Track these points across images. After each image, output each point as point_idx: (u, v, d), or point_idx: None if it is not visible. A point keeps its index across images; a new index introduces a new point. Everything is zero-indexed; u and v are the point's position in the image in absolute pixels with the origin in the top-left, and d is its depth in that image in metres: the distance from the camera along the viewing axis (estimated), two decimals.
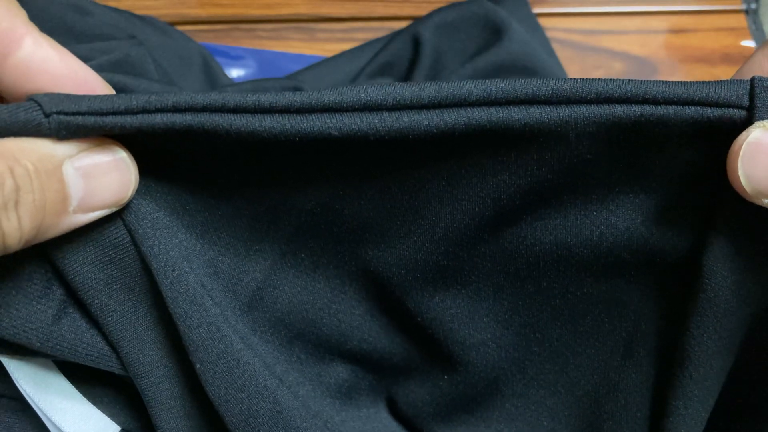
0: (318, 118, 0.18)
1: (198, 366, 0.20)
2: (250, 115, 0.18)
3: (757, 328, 0.21)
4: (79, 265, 0.19)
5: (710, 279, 0.20)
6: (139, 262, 0.19)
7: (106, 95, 0.18)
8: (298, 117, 0.18)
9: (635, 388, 0.23)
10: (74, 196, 0.17)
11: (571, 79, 0.18)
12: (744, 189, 0.18)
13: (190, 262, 0.20)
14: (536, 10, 0.48)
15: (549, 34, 0.47)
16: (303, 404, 0.22)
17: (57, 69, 0.19)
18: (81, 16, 0.40)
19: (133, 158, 0.19)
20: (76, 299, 0.20)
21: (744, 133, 0.18)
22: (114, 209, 0.19)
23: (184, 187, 0.20)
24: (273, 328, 0.23)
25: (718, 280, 0.20)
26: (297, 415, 0.21)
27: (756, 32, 0.48)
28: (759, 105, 0.18)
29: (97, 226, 0.19)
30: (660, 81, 0.18)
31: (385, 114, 0.18)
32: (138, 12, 0.44)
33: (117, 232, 0.19)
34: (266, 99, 0.18)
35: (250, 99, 0.18)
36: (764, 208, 0.19)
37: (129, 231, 0.19)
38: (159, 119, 0.17)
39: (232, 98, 0.18)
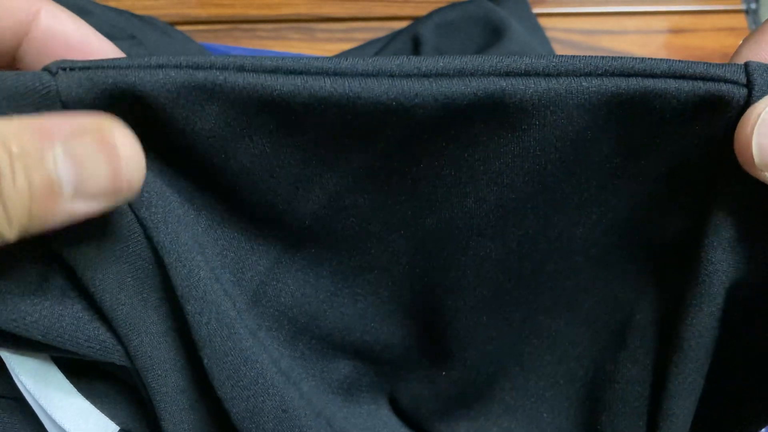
0: (321, 79, 0.18)
1: (206, 361, 0.20)
2: (252, 73, 0.18)
3: (753, 307, 0.21)
4: (90, 260, 0.19)
5: (709, 259, 0.20)
6: (151, 256, 0.19)
7: (111, 59, 0.18)
8: (300, 77, 0.18)
9: (632, 378, 0.23)
10: (65, 181, 0.16)
11: (567, 55, 0.19)
12: (752, 159, 0.18)
13: (204, 255, 0.20)
14: (536, 10, 0.48)
15: (549, 34, 0.47)
16: (308, 402, 0.22)
17: (74, 38, 0.20)
18: (81, 16, 0.40)
19: (133, 140, 0.18)
20: (79, 291, 0.19)
21: (761, 103, 0.18)
22: (120, 199, 0.18)
23: (189, 183, 0.20)
24: (277, 322, 0.23)
25: (716, 261, 0.20)
26: (302, 414, 0.21)
27: None
28: (757, 79, 0.18)
29: (109, 220, 0.19)
30: (654, 57, 0.19)
31: (384, 79, 0.18)
32: (138, 12, 0.45)
33: (130, 226, 0.19)
34: (269, 61, 0.18)
35: (251, 59, 0.18)
36: (763, 191, 0.19)
37: (141, 224, 0.19)
38: (160, 75, 0.18)
39: (236, 60, 0.18)
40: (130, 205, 0.19)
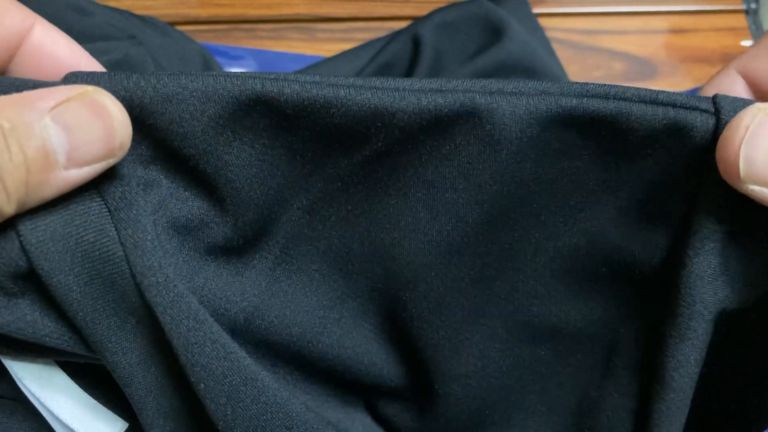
0: (299, 83, 0.19)
1: (201, 386, 0.19)
2: (244, 77, 0.19)
3: (735, 333, 0.21)
4: (64, 276, 0.18)
5: (688, 292, 0.20)
6: (129, 278, 0.19)
7: (120, 72, 0.19)
8: (277, 81, 0.19)
9: (617, 404, 0.23)
10: (59, 151, 0.16)
11: (546, 81, 0.20)
12: (737, 172, 0.18)
13: (185, 283, 0.20)
14: (536, 10, 0.48)
15: (549, 34, 0.47)
16: (316, 415, 0.21)
17: (64, 56, 0.20)
18: (81, 16, 0.40)
19: (119, 105, 0.18)
20: (55, 307, 0.19)
21: (745, 116, 0.18)
22: (111, 161, 0.18)
23: (179, 209, 0.20)
24: (256, 354, 0.22)
25: (696, 294, 0.20)
26: (310, 427, 0.21)
27: (756, 32, 0.48)
28: (725, 107, 0.19)
29: (87, 239, 0.18)
30: (626, 86, 0.20)
31: (367, 90, 0.19)
32: (138, 12, 0.44)
33: (110, 246, 0.18)
34: (254, 72, 0.19)
35: (248, 72, 0.19)
36: (741, 216, 0.19)
37: (123, 245, 0.18)
38: (159, 79, 0.18)
39: (227, 73, 0.19)
40: (115, 224, 0.18)
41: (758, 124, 0.18)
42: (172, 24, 0.46)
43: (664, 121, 0.19)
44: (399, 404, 0.25)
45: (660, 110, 0.19)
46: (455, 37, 0.43)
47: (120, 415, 0.22)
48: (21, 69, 0.20)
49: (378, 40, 0.46)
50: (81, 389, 0.21)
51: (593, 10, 0.49)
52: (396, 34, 0.44)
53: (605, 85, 0.20)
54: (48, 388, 0.20)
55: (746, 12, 0.49)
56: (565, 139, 0.20)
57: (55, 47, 0.20)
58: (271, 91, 0.19)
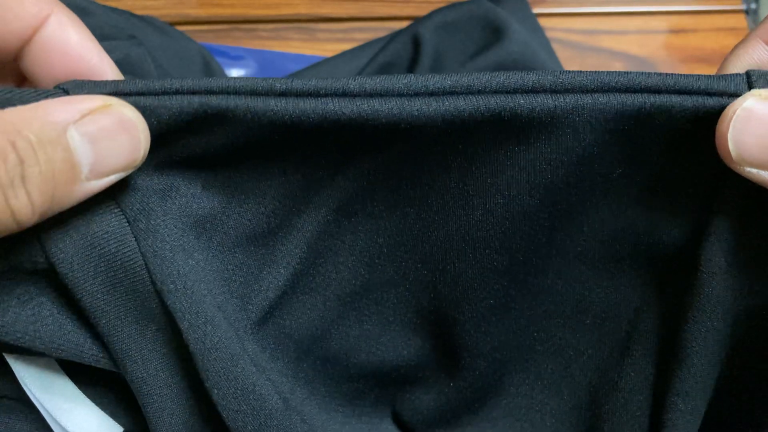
0: (331, 101, 0.18)
1: (215, 392, 0.19)
2: (264, 97, 0.18)
3: (755, 322, 0.21)
4: (90, 285, 0.18)
5: (708, 271, 0.20)
6: (149, 285, 0.19)
7: (127, 79, 0.18)
8: (310, 100, 0.18)
9: (635, 387, 0.23)
10: (84, 163, 0.17)
11: (573, 71, 0.19)
12: (730, 155, 0.18)
13: (207, 283, 0.20)
14: (536, 10, 0.48)
15: (549, 34, 0.47)
16: (310, 427, 0.22)
17: (74, 50, 0.20)
18: (81, 16, 0.40)
19: (141, 116, 0.18)
20: (79, 312, 0.19)
21: (739, 99, 0.18)
22: (128, 171, 0.18)
23: (202, 207, 0.20)
24: (282, 345, 0.23)
25: (716, 273, 0.20)
26: None
27: None
28: (759, 86, 0.18)
29: (109, 249, 0.18)
30: (660, 72, 0.19)
31: (393, 99, 0.19)
32: (138, 12, 0.44)
33: (131, 256, 0.19)
34: (279, 84, 0.18)
35: (263, 82, 0.18)
36: (763, 200, 0.19)
37: (143, 255, 0.19)
38: (176, 101, 0.18)
39: (248, 84, 0.18)
40: (134, 234, 0.19)
41: (745, 108, 0.18)
42: (172, 24, 0.46)
43: (699, 112, 0.19)
44: (421, 385, 0.25)
45: (695, 100, 0.19)
46: (455, 37, 0.43)
47: (116, 420, 0.22)
48: (32, 61, 0.20)
49: (378, 40, 0.46)
50: (80, 391, 0.21)
51: (593, 10, 0.49)
52: (396, 34, 0.44)
53: (640, 75, 0.19)
54: (48, 389, 0.21)
55: (746, 12, 0.49)
56: (597, 140, 0.20)
57: (65, 41, 0.19)
58: (292, 114, 0.18)
